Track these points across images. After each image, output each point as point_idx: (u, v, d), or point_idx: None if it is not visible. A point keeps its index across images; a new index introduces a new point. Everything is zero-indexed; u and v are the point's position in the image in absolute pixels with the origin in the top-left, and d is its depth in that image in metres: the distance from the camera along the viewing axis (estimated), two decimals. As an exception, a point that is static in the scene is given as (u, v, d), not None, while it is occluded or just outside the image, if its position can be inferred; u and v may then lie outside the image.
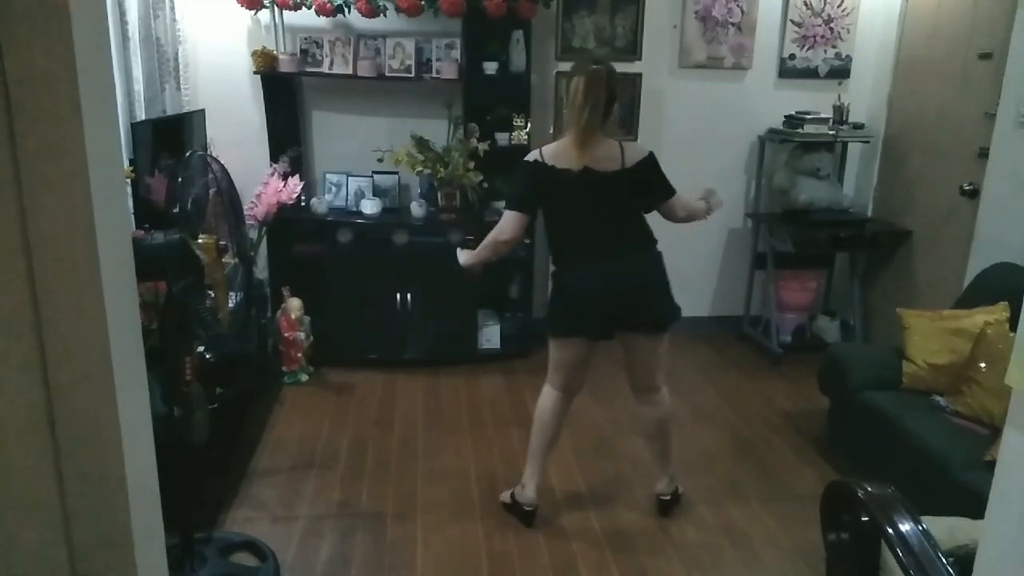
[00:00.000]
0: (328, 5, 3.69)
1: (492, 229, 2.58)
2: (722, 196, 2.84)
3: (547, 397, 2.69)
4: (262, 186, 3.73)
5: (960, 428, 2.65)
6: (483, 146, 3.77)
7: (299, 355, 3.83)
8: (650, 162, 2.49)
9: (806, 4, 4.26)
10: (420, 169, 3.82)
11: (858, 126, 4.21)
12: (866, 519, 1.56)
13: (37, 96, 1.25)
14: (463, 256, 2.68)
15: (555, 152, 2.46)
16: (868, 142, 4.30)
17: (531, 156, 2.50)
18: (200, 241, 2.11)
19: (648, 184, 2.52)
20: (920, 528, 1.48)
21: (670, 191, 2.56)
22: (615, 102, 2.45)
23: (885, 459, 2.80)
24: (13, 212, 1.27)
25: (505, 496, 2.79)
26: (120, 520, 1.46)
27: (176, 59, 3.61)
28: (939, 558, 1.43)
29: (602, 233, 2.50)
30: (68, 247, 1.31)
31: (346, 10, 3.72)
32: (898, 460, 2.70)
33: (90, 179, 1.28)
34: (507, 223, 2.51)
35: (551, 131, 4.21)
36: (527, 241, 3.92)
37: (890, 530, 1.49)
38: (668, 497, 2.78)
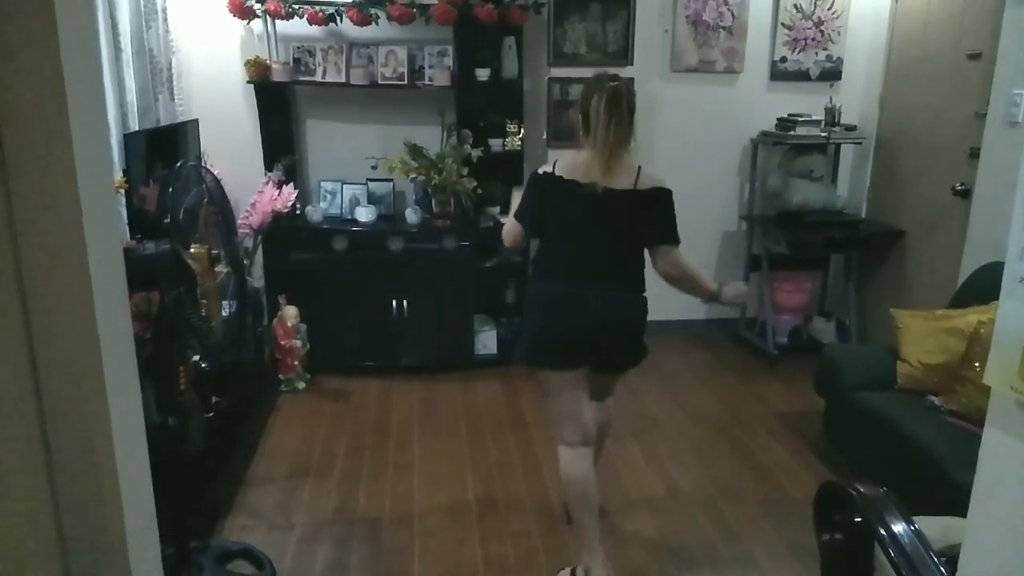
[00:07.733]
0: (320, 14, 3.71)
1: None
2: (742, 289, 2.59)
3: (567, 458, 2.37)
4: (257, 195, 3.74)
5: (955, 427, 2.65)
6: (476, 152, 3.78)
7: (295, 363, 3.83)
8: (662, 193, 2.31)
9: (796, 7, 4.28)
10: (414, 176, 3.83)
11: (850, 128, 4.22)
12: (859, 520, 1.57)
13: (25, 107, 1.26)
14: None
15: (571, 165, 2.33)
16: (860, 143, 4.31)
17: (542, 168, 2.39)
18: (192, 251, 2.11)
19: (651, 214, 2.32)
20: (912, 528, 1.48)
21: (672, 237, 2.36)
22: (634, 115, 2.30)
23: (881, 459, 2.80)
24: (3, 223, 1.28)
25: None
26: (114, 529, 1.46)
27: (169, 69, 3.62)
28: (931, 558, 1.43)
29: (601, 255, 2.33)
30: (58, 257, 1.31)
31: (338, 19, 3.74)
32: (894, 460, 2.71)
33: (79, 190, 1.29)
34: (507, 229, 2.53)
35: (544, 136, 4.22)
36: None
37: (882, 531, 1.48)
38: None
